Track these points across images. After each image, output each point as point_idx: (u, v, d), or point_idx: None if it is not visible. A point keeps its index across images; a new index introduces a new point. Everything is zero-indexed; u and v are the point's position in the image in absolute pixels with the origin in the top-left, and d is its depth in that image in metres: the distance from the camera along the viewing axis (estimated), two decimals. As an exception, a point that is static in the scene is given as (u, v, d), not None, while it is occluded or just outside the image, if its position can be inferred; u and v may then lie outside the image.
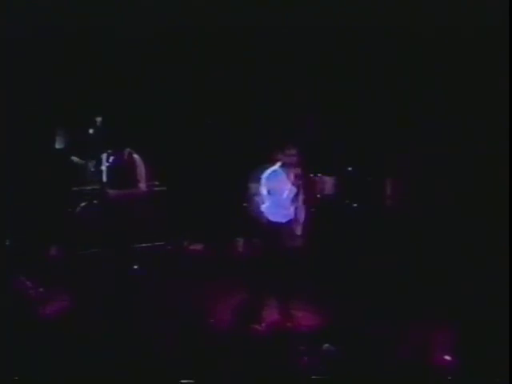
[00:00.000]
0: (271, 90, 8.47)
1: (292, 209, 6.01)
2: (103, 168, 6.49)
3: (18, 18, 7.09)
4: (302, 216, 6.11)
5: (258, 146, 6.23)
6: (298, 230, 6.08)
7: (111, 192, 6.34)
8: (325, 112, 8.50)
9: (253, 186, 6.19)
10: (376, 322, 5.75)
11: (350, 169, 8.22)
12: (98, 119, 6.99)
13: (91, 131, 7.07)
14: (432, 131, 7.66)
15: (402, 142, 7.96)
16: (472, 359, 4.96)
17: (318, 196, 8.02)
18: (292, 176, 5.98)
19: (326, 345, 5.22)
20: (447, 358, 5.07)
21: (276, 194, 6.02)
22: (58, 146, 7.93)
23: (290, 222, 6.05)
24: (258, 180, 6.07)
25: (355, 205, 8.08)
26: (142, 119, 7.92)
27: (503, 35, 6.63)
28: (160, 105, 8.43)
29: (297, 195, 5.99)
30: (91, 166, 7.35)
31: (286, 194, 6.01)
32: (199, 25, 7.54)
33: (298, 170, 6.01)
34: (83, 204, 7.53)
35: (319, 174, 8.14)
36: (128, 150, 6.47)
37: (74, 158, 7.86)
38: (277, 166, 6.03)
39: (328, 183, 8.12)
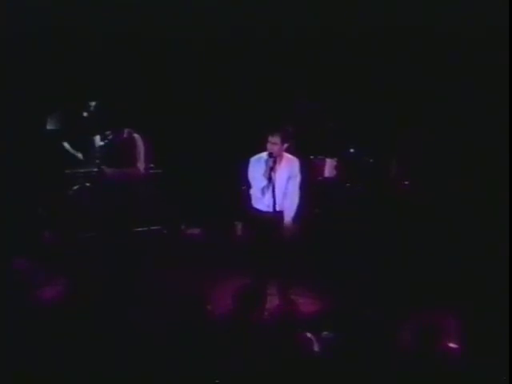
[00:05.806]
0: (272, 71, 8.38)
1: (268, 199, 5.84)
2: (98, 149, 6.43)
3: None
4: (290, 204, 5.99)
5: (259, 128, 6.17)
6: (289, 219, 5.97)
7: (106, 174, 6.26)
8: (325, 94, 8.39)
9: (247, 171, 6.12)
10: (377, 309, 5.63)
11: (351, 150, 8.12)
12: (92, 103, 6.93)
13: (85, 114, 7.03)
14: (434, 114, 7.57)
15: (404, 123, 7.81)
16: (476, 346, 4.89)
17: (318, 179, 7.95)
18: (268, 166, 5.84)
19: (325, 332, 5.07)
20: (450, 345, 4.94)
21: (254, 182, 6.00)
22: (49, 126, 7.80)
23: (278, 210, 5.91)
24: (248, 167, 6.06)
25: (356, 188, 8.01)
26: (137, 101, 7.76)
27: (503, 35, 6.73)
28: (157, 88, 8.31)
29: (271, 186, 5.80)
30: (86, 147, 7.19)
31: (261, 184, 5.92)
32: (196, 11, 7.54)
33: (280, 160, 5.90)
34: (76, 187, 7.39)
35: (320, 157, 8.05)
36: (127, 130, 6.40)
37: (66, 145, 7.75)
38: (263, 154, 5.94)
39: (329, 165, 8.02)
